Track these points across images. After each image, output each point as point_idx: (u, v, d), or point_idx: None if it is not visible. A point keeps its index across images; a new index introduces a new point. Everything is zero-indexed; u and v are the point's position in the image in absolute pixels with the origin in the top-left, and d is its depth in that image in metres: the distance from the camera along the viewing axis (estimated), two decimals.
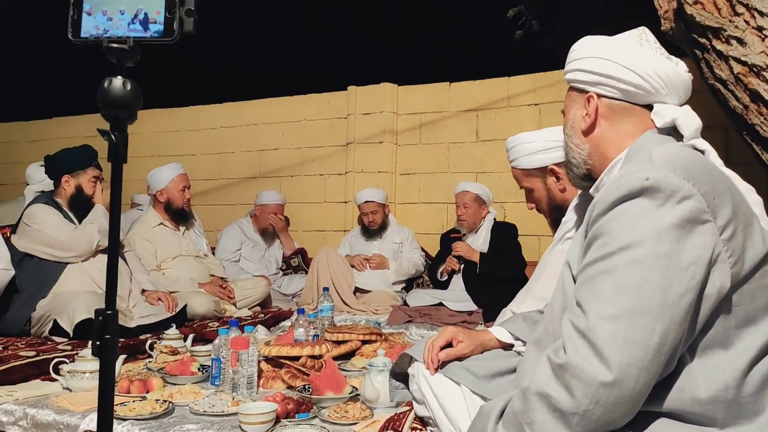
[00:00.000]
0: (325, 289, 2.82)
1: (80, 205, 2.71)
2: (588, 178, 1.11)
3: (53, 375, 1.86)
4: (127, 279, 2.72)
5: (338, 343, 2.29)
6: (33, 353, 2.05)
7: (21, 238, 2.61)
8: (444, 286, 3.47)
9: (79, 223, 2.67)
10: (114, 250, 0.83)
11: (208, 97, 4.92)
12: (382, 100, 4.31)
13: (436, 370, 1.27)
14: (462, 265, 3.39)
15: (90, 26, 0.83)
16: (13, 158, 5.56)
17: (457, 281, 3.40)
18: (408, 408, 1.42)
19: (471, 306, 3.17)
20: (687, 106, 1.04)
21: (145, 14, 0.81)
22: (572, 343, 0.82)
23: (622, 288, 0.80)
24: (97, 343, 0.77)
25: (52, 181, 2.80)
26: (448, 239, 3.51)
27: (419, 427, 1.34)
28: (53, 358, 1.91)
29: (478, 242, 3.41)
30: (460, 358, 1.27)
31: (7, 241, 2.58)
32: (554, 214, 1.75)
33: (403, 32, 4.03)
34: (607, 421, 0.79)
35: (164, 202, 3.29)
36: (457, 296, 3.29)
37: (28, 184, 3.53)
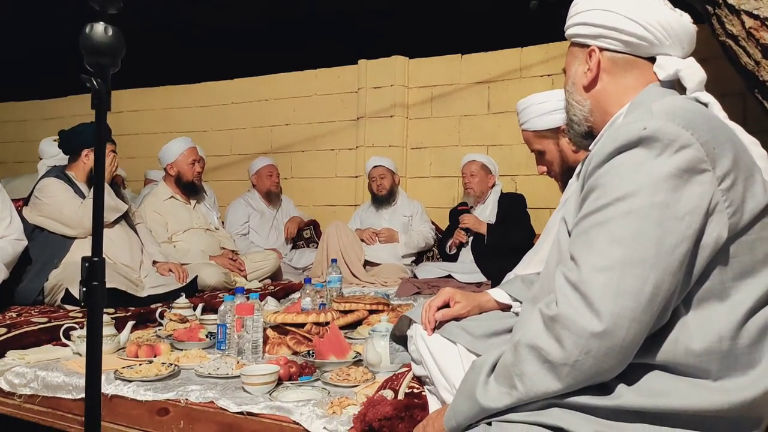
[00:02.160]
0: (333, 260, 2.83)
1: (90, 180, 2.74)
2: (589, 136, 1.08)
3: (64, 340, 1.90)
4: (138, 250, 2.76)
5: (345, 312, 2.30)
6: (45, 320, 2.10)
7: (32, 210, 2.65)
8: (453, 259, 3.47)
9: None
10: (99, 198, 0.83)
11: (219, 73, 4.91)
12: (393, 74, 4.26)
13: (434, 330, 1.27)
14: (470, 238, 3.38)
15: None
16: (30, 136, 5.63)
17: (466, 254, 3.39)
18: (406, 369, 1.43)
19: (480, 278, 3.15)
20: (691, 58, 1.01)
21: None
22: (564, 295, 0.80)
23: (616, 239, 0.78)
24: (83, 289, 0.78)
25: (67, 156, 2.83)
26: (457, 213, 3.50)
27: (416, 386, 1.34)
28: (64, 324, 1.95)
29: (485, 214, 3.38)
30: (457, 319, 1.26)
31: (20, 212, 2.63)
32: (566, 176, 1.71)
33: (413, 3, 3.94)
34: (597, 372, 0.78)
35: (174, 175, 3.32)
36: (466, 268, 3.28)
37: (41, 159, 3.57)
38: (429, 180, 4.25)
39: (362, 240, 3.68)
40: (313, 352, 1.78)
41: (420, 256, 3.85)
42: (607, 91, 1.02)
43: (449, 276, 3.23)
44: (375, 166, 3.80)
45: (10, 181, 3.93)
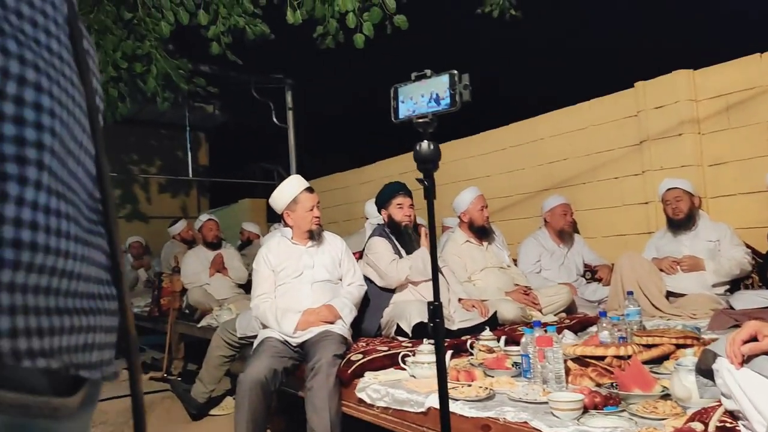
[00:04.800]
0: (630, 293, 2.80)
1: (395, 231, 3.34)
2: None
3: (401, 365, 2.41)
4: (445, 290, 3.23)
5: (648, 346, 2.28)
6: (386, 348, 2.67)
7: (363, 265, 3.37)
8: None
9: (405, 249, 3.29)
10: (434, 260, 1.18)
11: (494, 121, 5.34)
12: (676, 89, 3.99)
13: (741, 364, 1.26)
14: None
15: (404, 110, 1.21)
16: (353, 198, 7.00)
17: None
18: (717, 403, 1.41)
19: None
20: None
21: (437, 94, 1.15)
22: None
23: None
24: (431, 324, 1.11)
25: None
26: None
27: (729, 420, 1.32)
28: (400, 352, 2.48)
29: None
30: (766, 353, 1.23)
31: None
32: None
33: (692, 13, 3.68)
34: None
35: (467, 221, 3.77)
36: None
37: (367, 219, 4.46)
38: (735, 198, 3.78)
39: (661, 270, 3.49)
40: (616, 384, 1.86)
41: (736, 284, 3.43)
42: None
43: None
44: (669, 189, 3.58)
45: (347, 238, 4.97)
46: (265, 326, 2.84)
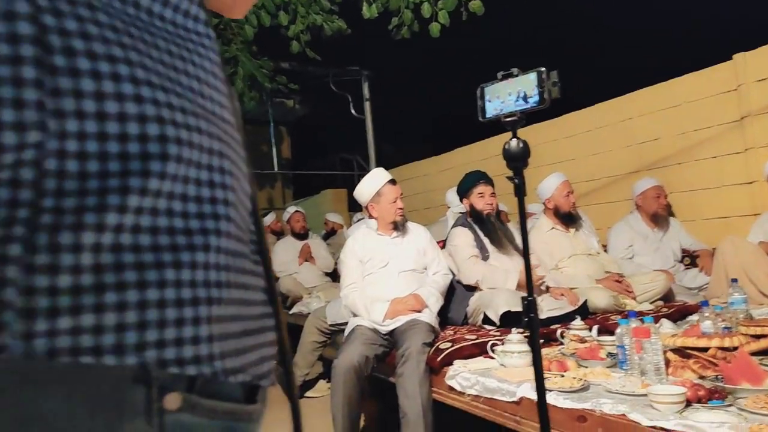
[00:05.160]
0: (734, 280, 2.64)
1: (478, 220, 3.33)
2: None
3: (490, 353, 2.44)
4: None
5: (757, 337, 2.15)
6: (474, 337, 2.70)
7: (446, 254, 3.40)
8: None
9: (489, 238, 3.28)
10: (527, 255, 1.19)
11: (578, 102, 5.14)
12: None
13: None
14: None
15: (491, 109, 1.23)
16: (433, 186, 7.01)
17: None
18: None
19: None
20: None
21: (524, 93, 1.16)
22: None
23: None
24: (525, 319, 1.14)
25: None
26: None
27: None
28: (488, 341, 2.50)
29: None
30: None
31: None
32: None
33: None
34: None
35: (552, 208, 3.69)
36: None
37: (449, 207, 4.47)
38: None
39: None
40: (721, 377, 1.78)
41: None
42: None
43: None
44: None
45: (430, 227, 5.01)
46: (355, 314, 2.96)
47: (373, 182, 3.10)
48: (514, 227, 3.70)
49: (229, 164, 0.36)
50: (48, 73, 0.24)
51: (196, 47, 0.36)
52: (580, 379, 1.92)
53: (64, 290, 0.26)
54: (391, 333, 2.79)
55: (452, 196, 4.32)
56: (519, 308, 2.82)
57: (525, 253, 1.16)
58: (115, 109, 0.27)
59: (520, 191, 1.17)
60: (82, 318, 0.26)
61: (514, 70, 1.21)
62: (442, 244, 3.59)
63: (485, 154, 5.74)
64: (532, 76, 1.15)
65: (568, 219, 3.68)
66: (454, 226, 3.51)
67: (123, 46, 0.28)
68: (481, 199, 3.30)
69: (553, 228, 3.70)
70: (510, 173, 1.21)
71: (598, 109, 5.03)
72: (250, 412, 0.34)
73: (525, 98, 1.16)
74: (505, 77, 1.22)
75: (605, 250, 3.89)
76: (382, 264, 3.00)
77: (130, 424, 0.27)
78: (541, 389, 1.13)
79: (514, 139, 1.18)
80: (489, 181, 3.35)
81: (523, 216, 1.19)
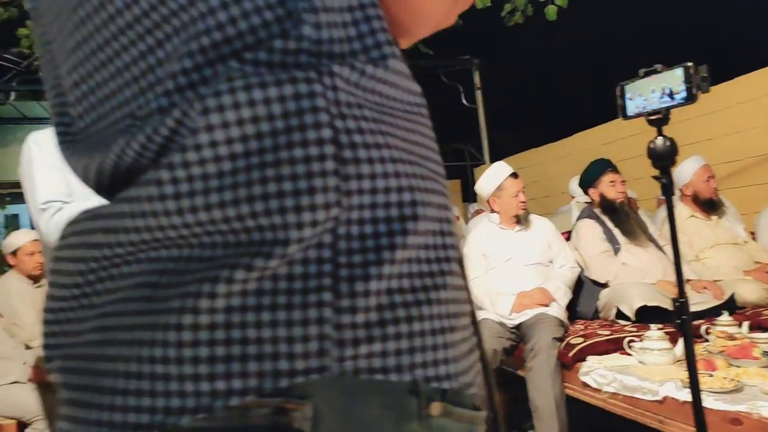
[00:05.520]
0: None
1: (608, 210, 3.20)
2: None
3: (627, 350, 2.36)
4: (670, 270, 3.02)
5: None
6: (607, 332, 2.62)
7: (572, 247, 3.30)
8: None
9: (620, 228, 3.15)
10: (675, 247, 1.17)
11: (716, 76, 4.71)
12: None
13: None
14: None
15: (632, 107, 1.22)
16: (550, 174, 6.81)
17: None
18: None
19: None
20: None
21: (670, 89, 1.13)
22: None
23: None
24: (677, 321, 1.12)
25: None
26: None
27: None
28: (624, 337, 2.42)
29: None
30: None
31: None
32: None
33: None
34: None
35: (691, 195, 3.44)
36: None
37: (573, 197, 4.33)
38: None
39: None
40: None
41: None
42: None
43: None
44: None
45: (552, 217, 4.88)
46: (480, 308, 3.00)
47: (495, 176, 3.11)
48: (645, 215, 3.52)
49: (447, 211, 0.44)
50: (341, 164, 0.34)
51: (417, 117, 0.44)
52: (733, 380, 1.82)
53: (360, 326, 0.35)
54: (518, 326, 2.80)
55: (575, 185, 4.18)
56: (656, 302, 2.72)
57: (675, 254, 1.14)
58: (382, 185, 0.36)
59: (668, 191, 1.15)
60: (373, 346, 0.35)
61: (658, 66, 1.18)
62: (567, 235, 3.50)
63: (608, 138, 5.47)
64: (678, 72, 1.12)
65: (710, 206, 3.41)
66: (579, 218, 3.41)
67: (382, 133, 0.37)
68: (613, 187, 3.19)
69: (692, 216, 3.45)
70: (653, 171, 1.19)
71: (737, 84, 4.58)
72: (482, 418, 0.42)
73: (671, 95, 1.14)
74: (647, 74, 1.20)
75: (753, 238, 3.55)
76: (506, 258, 3.01)
77: (409, 424, 0.36)
78: (696, 392, 1.11)
79: (660, 138, 1.16)
80: (616, 169, 3.22)
81: (671, 212, 1.17)
